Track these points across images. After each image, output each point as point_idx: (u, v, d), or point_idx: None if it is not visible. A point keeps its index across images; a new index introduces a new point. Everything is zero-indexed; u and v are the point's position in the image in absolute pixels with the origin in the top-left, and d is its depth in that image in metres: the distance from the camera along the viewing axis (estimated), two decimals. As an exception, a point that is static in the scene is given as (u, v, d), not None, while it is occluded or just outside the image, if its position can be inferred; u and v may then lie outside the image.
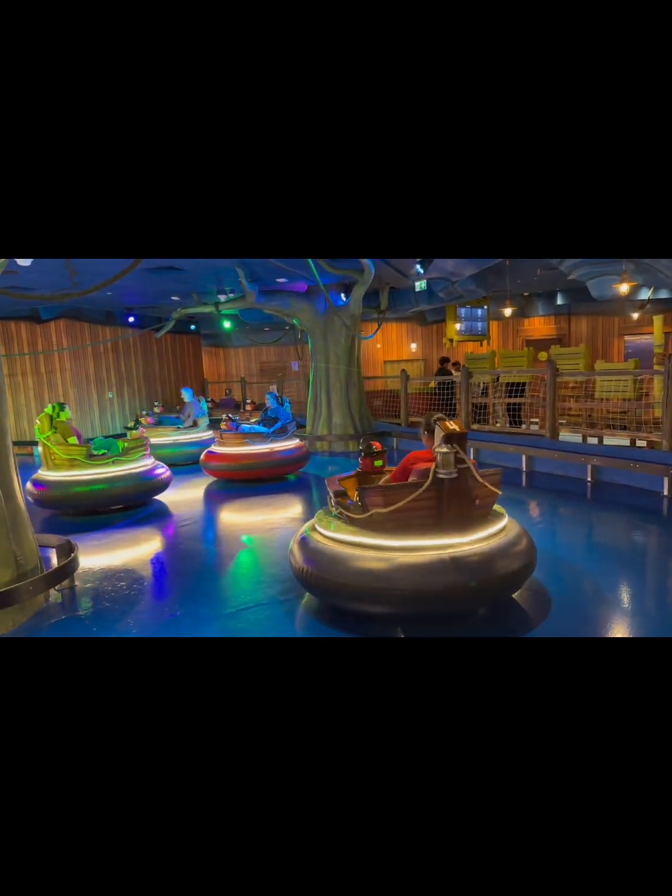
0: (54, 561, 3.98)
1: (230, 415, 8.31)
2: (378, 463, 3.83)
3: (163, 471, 6.46)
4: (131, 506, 6.27)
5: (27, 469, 5.94)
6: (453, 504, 2.85)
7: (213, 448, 7.49)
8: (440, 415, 3.01)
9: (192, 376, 14.83)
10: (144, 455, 6.35)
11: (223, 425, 7.77)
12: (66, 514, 6.13)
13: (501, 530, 3.10)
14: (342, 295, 9.54)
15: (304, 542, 3.32)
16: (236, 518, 6.16)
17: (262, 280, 9.30)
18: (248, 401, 12.30)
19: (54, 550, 4.05)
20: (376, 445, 3.88)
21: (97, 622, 3.43)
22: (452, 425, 2.86)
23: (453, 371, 10.27)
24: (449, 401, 9.31)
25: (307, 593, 3.56)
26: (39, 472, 6.04)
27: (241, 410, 12.05)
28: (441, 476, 2.75)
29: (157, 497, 6.61)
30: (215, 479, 7.62)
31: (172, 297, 10.68)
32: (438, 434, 2.87)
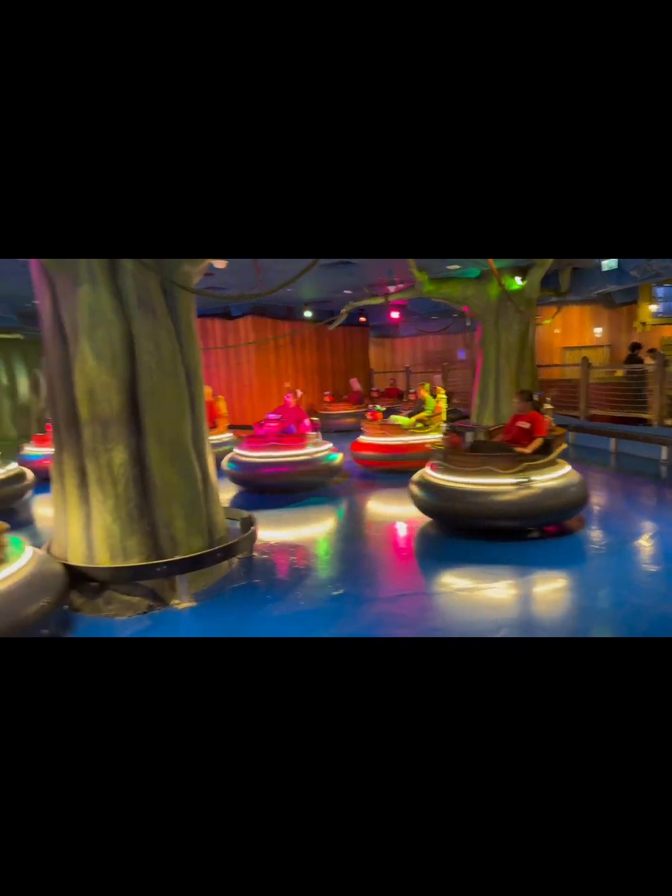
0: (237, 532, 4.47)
1: (376, 405, 8.41)
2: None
3: (336, 457, 6.76)
4: (307, 488, 6.67)
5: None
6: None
7: (361, 437, 7.59)
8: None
9: (359, 367, 15.32)
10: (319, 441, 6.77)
11: (368, 415, 7.85)
12: (252, 491, 6.79)
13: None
14: (518, 278, 9.01)
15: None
16: (393, 509, 6.26)
17: (432, 268, 9.20)
18: (412, 391, 12.32)
19: (238, 523, 4.54)
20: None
21: (271, 591, 3.79)
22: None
23: (647, 359, 9.07)
24: (639, 392, 8.27)
25: (457, 588, 3.52)
26: (234, 451, 6.81)
27: (404, 400, 12.14)
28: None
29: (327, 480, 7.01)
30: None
31: (345, 291, 11.12)
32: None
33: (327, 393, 13.26)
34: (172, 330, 3.70)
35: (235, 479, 6.71)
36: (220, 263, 7.09)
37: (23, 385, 11.78)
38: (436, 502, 4.65)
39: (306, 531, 5.41)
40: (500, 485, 4.38)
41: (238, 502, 6.31)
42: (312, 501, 6.31)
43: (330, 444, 6.85)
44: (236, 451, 6.79)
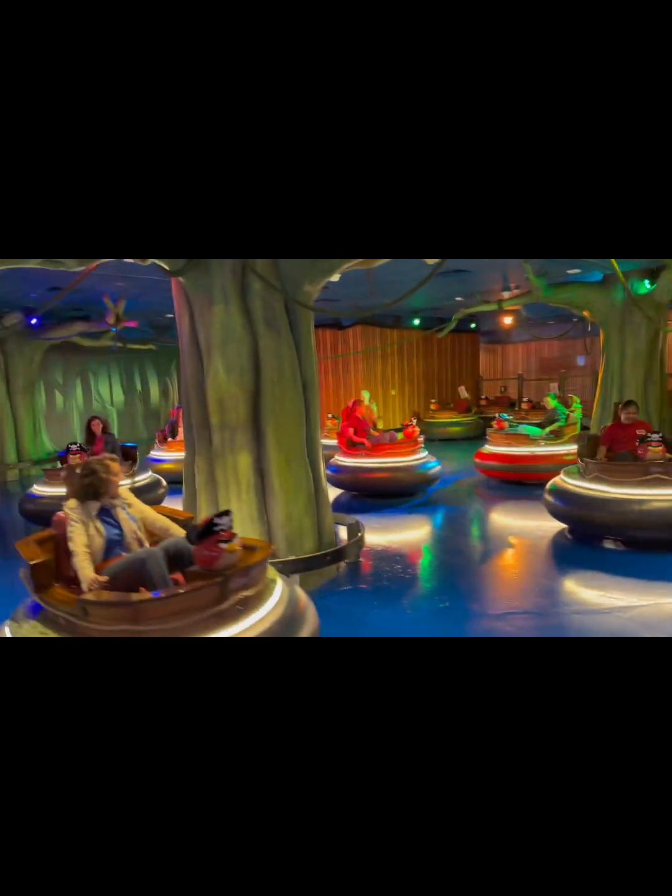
0: (344, 537, 4.64)
1: (502, 413, 8.16)
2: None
3: (436, 465, 6.85)
4: (407, 493, 6.80)
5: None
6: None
7: (486, 446, 7.51)
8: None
9: (468, 374, 15.01)
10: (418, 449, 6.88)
11: (495, 424, 7.68)
12: (354, 495, 7.03)
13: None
14: (647, 281, 8.35)
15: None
16: (505, 519, 6.09)
17: (551, 273, 8.81)
18: (525, 399, 11.83)
19: (345, 528, 4.71)
20: None
21: (378, 596, 3.89)
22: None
23: None
24: None
25: (573, 612, 3.36)
26: (335, 457, 7.07)
27: (516, 409, 11.69)
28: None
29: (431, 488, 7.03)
30: (486, 476, 7.63)
31: (456, 298, 10.99)
32: None
33: (433, 401, 13.15)
34: (293, 345, 3.96)
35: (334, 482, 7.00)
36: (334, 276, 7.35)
37: (154, 391, 13.00)
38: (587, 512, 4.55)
39: (414, 537, 5.45)
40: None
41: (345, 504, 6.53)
42: (423, 510, 6.34)
43: (424, 454, 6.90)
44: (336, 456, 7.07)
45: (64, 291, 4.84)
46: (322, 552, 4.04)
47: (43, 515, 5.21)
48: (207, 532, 2.11)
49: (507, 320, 11.62)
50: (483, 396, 14.08)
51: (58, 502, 3.61)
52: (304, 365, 4.08)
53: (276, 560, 3.83)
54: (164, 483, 6.70)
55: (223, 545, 2.10)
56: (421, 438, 7.05)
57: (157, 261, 3.75)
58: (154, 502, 6.64)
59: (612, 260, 6.26)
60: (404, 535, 5.54)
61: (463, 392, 13.19)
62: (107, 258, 3.33)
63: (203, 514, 4.00)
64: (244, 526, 3.83)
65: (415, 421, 7.96)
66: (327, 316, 12.40)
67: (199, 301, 3.83)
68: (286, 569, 3.80)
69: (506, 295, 9.75)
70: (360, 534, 4.51)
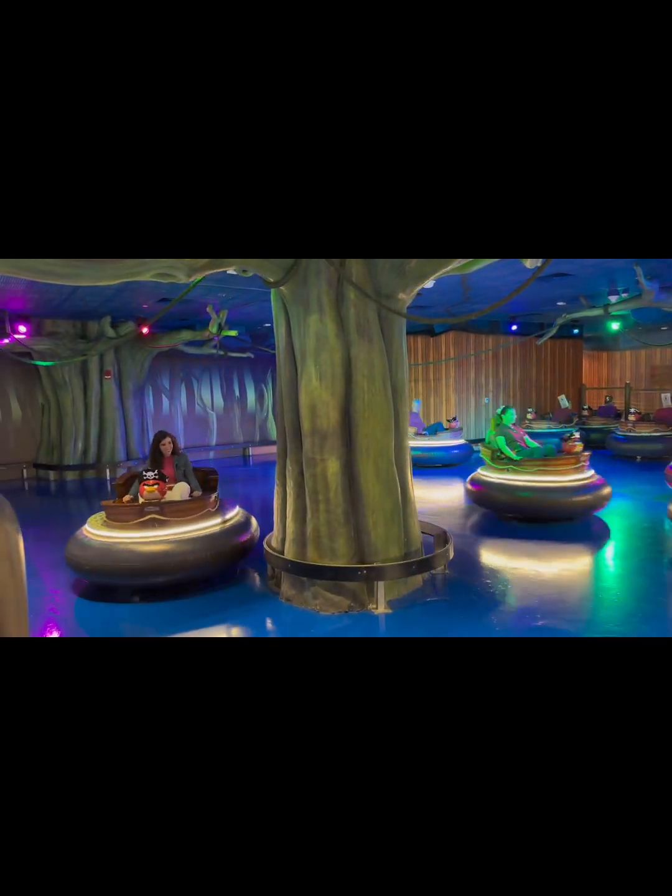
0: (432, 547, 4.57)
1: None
2: None
3: (604, 488, 5.86)
4: (559, 518, 5.90)
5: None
6: None
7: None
8: None
9: (569, 382, 14.22)
10: (581, 466, 5.90)
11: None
12: (504, 517, 6.24)
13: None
14: None
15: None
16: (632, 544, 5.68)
17: (663, 276, 8.14)
18: (633, 410, 10.99)
19: (434, 538, 4.64)
20: None
21: (461, 609, 3.79)
22: None
23: None
24: None
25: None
26: (479, 471, 6.44)
27: (623, 420, 10.89)
28: None
29: (598, 514, 6.07)
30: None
31: (558, 303, 10.47)
32: None
33: (530, 411, 12.60)
34: (384, 352, 3.98)
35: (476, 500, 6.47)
36: (428, 282, 7.30)
37: (251, 396, 13.61)
38: None
39: (510, 551, 5.26)
40: None
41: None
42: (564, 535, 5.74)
43: (592, 473, 5.96)
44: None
45: (173, 302, 5.22)
46: (408, 561, 4.01)
47: (89, 568, 4.06)
48: None
49: (615, 326, 10.87)
50: (585, 406, 13.27)
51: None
52: (394, 371, 4.08)
53: (362, 565, 3.86)
54: (255, 524, 4.94)
55: None
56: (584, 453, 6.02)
57: (259, 272, 3.94)
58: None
59: None
60: (498, 550, 5.35)
61: (563, 401, 12.52)
62: (208, 262, 3.51)
63: (290, 519, 4.12)
64: (331, 529, 3.90)
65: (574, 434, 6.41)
66: (420, 323, 12.31)
67: (296, 311, 3.97)
68: (371, 575, 3.82)
69: (613, 300, 9.14)
70: (447, 544, 4.42)
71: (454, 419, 10.69)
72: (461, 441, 10.22)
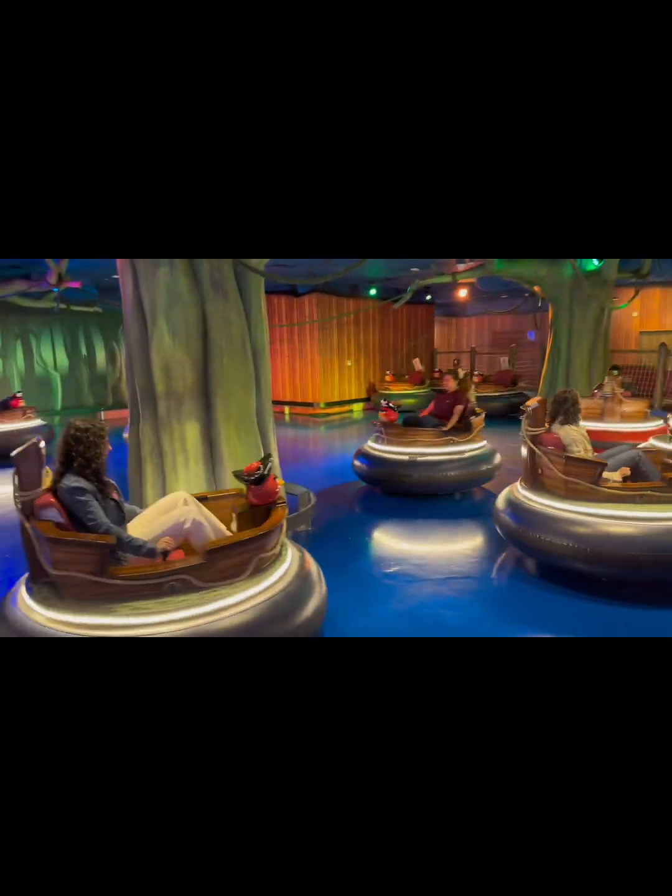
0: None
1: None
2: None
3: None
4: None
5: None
6: None
7: None
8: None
9: (423, 346, 15.12)
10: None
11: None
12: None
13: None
14: (595, 259, 8.56)
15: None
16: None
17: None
18: (477, 372, 12.05)
19: (298, 497, 4.73)
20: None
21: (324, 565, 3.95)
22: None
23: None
24: None
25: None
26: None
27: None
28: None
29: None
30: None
31: (412, 269, 10.96)
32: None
33: (388, 372, 13.23)
34: (242, 310, 3.85)
35: None
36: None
37: (100, 356, 12.48)
38: None
39: (372, 508, 5.53)
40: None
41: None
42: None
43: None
44: None
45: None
46: (272, 522, 4.04)
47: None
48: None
49: (462, 293, 11.71)
50: (437, 369, 14.26)
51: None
52: (253, 331, 3.99)
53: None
54: None
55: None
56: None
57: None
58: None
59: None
60: (361, 506, 5.61)
61: (417, 364, 13.30)
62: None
63: (148, 483, 3.91)
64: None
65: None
66: (281, 282, 12.13)
67: (143, 261, 3.66)
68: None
69: (460, 267, 9.79)
70: (311, 503, 4.53)
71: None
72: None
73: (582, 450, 3.55)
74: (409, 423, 5.67)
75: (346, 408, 12.87)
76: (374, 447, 5.53)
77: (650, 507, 3.14)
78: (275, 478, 2.74)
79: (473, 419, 5.45)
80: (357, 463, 5.65)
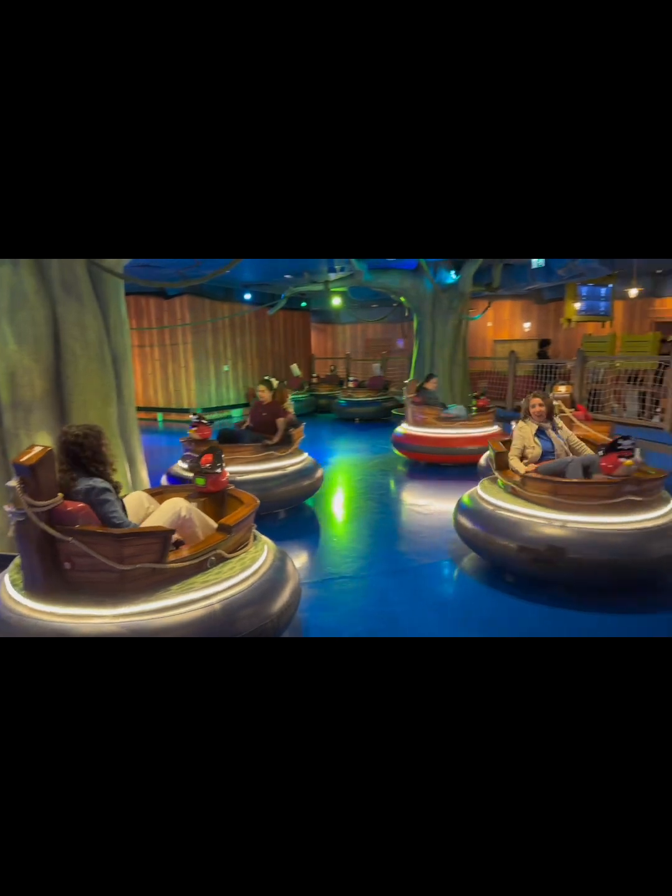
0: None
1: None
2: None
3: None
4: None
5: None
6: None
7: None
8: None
9: (300, 352, 15.33)
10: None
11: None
12: None
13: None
14: (453, 272, 9.31)
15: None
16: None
17: (372, 258, 9.33)
18: (352, 379, 12.49)
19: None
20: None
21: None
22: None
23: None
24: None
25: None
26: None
27: (344, 387, 12.29)
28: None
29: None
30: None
31: (285, 276, 11.07)
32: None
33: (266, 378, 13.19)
34: (99, 313, 3.63)
35: None
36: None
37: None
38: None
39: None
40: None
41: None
42: None
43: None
44: None
45: None
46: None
47: None
48: (612, 448, 3.09)
49: (336, 301, 12.06)
50: (315, 375, 14.52)
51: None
52: (113, 337, 3.77)
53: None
54: None
55: (623, 460, 3.09)
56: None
57: None
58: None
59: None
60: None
61: (295, 369, 13.45)
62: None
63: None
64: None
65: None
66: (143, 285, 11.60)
67: (-21, 258, 3.30)
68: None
69: (332, 276, 10.09)
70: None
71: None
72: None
73: (521, 445, 3.69)
74: (225, 439, 5.04)
75: (226, 413, 12.65)
76: (183, 468, 4.79)
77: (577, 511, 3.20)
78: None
79: (293, 431, 5.06)
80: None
